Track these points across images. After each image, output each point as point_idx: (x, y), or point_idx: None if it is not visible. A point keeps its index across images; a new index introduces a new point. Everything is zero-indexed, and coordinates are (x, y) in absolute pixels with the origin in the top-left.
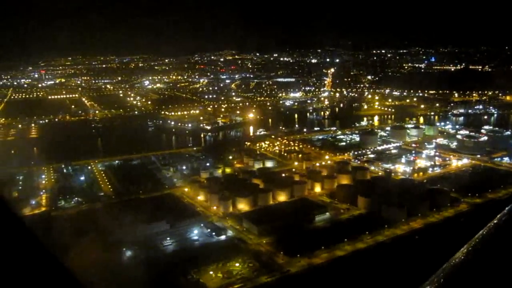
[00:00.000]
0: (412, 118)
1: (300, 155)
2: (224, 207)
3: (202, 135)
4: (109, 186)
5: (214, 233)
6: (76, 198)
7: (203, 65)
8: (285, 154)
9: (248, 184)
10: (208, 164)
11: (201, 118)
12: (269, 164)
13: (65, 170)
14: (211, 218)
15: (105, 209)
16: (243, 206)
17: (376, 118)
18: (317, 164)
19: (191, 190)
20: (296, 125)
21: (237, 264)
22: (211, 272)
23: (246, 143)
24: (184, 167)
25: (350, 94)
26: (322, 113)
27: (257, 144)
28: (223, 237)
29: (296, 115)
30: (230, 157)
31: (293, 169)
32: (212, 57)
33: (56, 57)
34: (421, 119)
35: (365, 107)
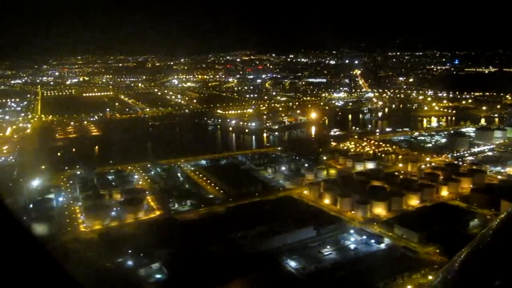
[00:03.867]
0: (472, 119)
1: (399, 156)
2: (363, 212)
3: (265, 135)
4: (217, 188)
5: (373, 241)
6: (188, 201)
7: (229, 65)
8: (382, 155)
9: (375, 187)
10: (306, 164)
11: (264, 117)
12: (370, 165)
13: (153, 171)
14: (352, 223)
15: (229, 213)
16: (380, 210)
17: (435, 119)
18: (423, 166)
19: (311, 192)
20: (369, 126)
21: (430, 277)
22: (408, 287)
23: (331, 143)
24: (283, 168)
25: (397, 95)
26: (377, 113)
27: (341, 145)
28: (382, 245)
29: (354, 116)
30: (324, 158)
31: (402, 171)
32: (228, 57)
33: (66, 57)
34: (482, 121)
35: (425, 108)
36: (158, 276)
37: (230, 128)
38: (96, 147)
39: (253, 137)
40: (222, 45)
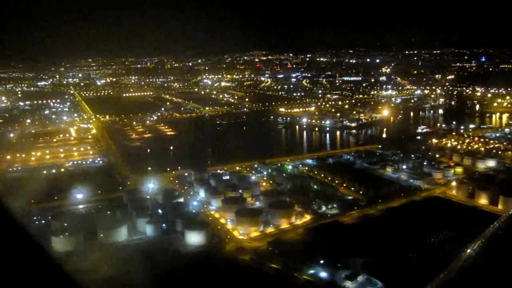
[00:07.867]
0: None
1: None
2: None
3: (338, 132)
4: (352, 189)
5: None
6: (334, 203)
7: (258, 64)
8: (498, 152)
9: None
10: (425, 162)
11: (338, 114)
12: (491, 163)
13: (264, 171)
14: None
15: (391, 216)
16: None
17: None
18: None
19: (459, 192)
20: (453, 122)
21: None
22: None
23: (432, 140)
24: (404, 166)
25: (448, 92)
26: (438, 110)
27: (440, 141)
28: None
29: (418, 112)
30: (437, 155)
31: None
32: (245, 58)
33: (77, 59)
34: None
35: (494, 104)
36: None
37: (297, 126)
38: (171, 147)
39: (327, 135)
40: (235, 46)
